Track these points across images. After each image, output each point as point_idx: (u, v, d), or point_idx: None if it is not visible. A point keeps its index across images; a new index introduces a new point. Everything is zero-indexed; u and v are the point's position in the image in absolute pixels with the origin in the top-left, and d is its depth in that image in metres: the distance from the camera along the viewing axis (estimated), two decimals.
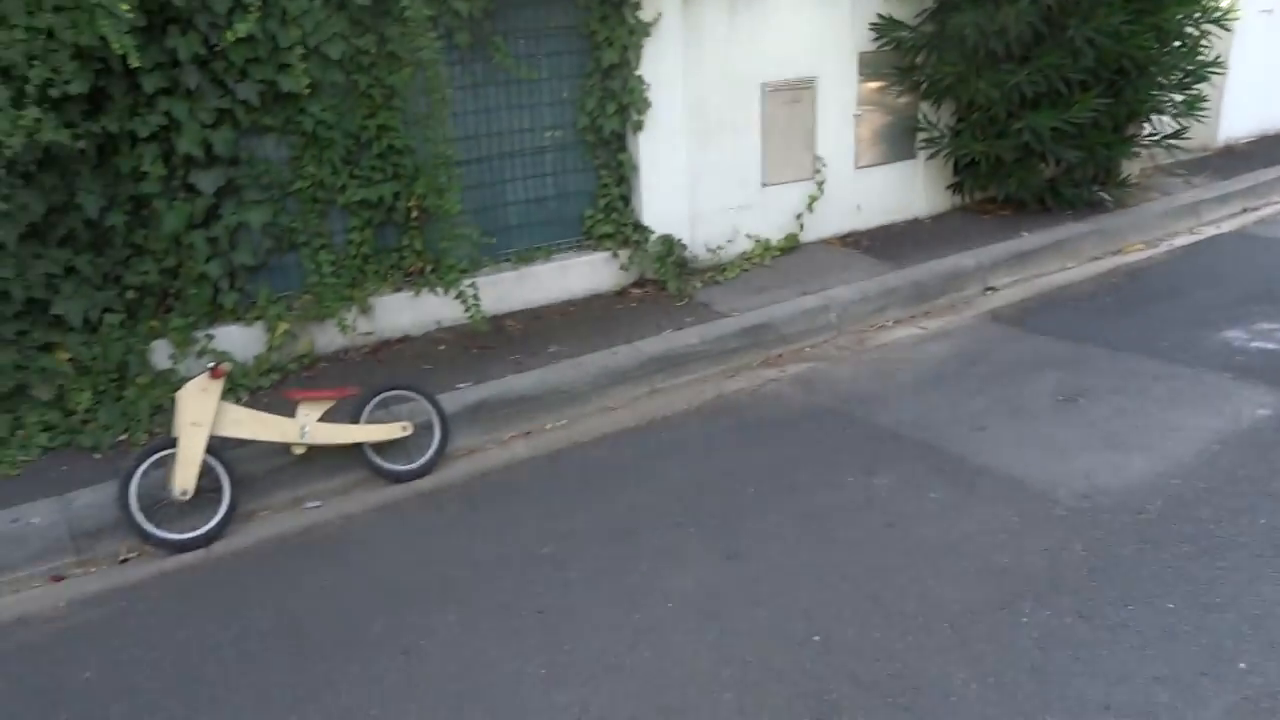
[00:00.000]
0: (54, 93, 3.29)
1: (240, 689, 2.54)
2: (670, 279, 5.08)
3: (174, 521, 3.29)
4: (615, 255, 5.12)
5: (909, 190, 6.22)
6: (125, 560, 3.28)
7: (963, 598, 2.69)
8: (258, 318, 4.15)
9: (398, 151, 4.33)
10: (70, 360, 3.75)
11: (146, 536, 3.23)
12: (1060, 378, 4.12)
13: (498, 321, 4.74)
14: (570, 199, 5.06)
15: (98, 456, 3.61)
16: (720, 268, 5.37)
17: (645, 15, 4.74)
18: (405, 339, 4.59)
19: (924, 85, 5.84)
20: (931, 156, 6.12)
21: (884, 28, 5.66)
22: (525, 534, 3.21)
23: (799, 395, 4.22)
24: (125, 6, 3.21)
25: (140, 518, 3.22)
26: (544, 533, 3.21)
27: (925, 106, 6.00)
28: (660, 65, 4.89)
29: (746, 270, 5.43)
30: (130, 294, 3.88)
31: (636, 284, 5.20)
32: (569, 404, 4.18)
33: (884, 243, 5.88)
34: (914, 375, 4.34)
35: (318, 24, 3.88)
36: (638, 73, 4.82)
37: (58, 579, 3.19)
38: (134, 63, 3.33)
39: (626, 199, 5.12)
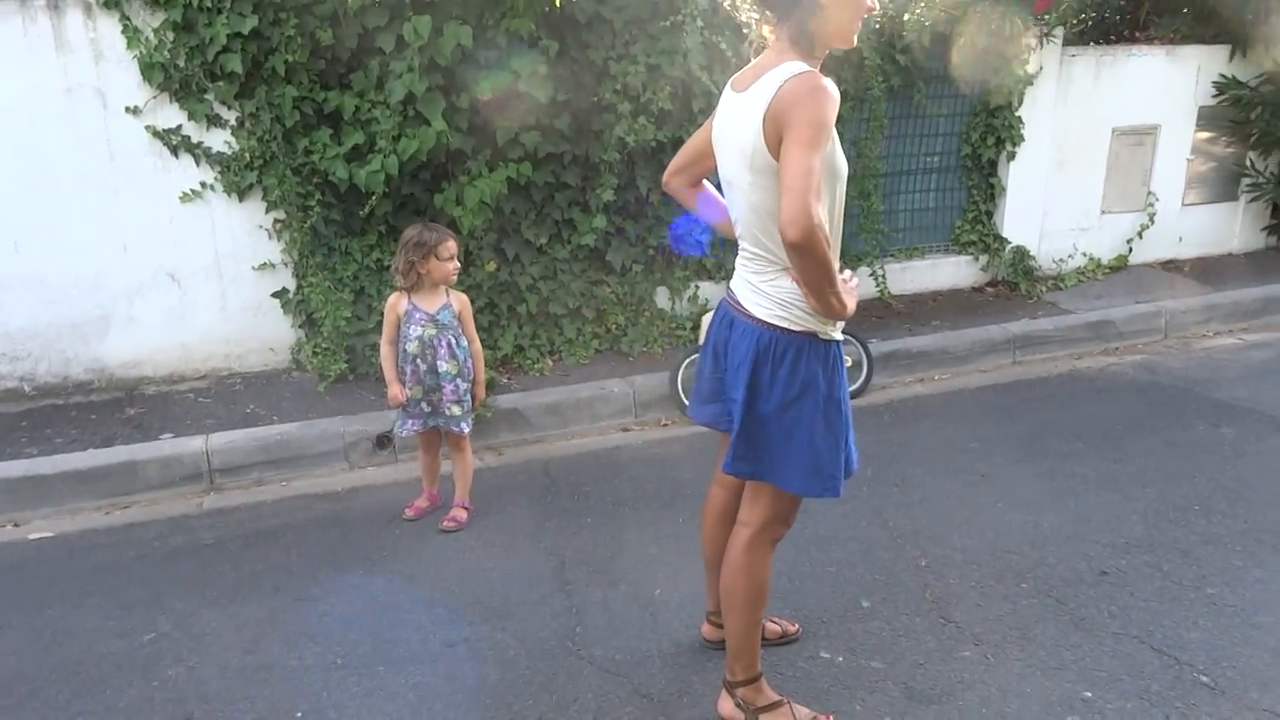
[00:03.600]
0: (653, 109, 4.95)
1: None
2: (1021, 281, 6.27)
3: None
4: (976, 259, 6.37)
5: (1227, 228, 7.09)
6: (665, 425, 4.84)
7: None
8: (726, 279, 5.69)
9: None
10: (611, 292, 5.41)
11: (685, 409, 4.78)
12: None
13: (884, 300, 6.09)
14: (945, 211, 6.36)
15: (631, 359, 5.24)
16: (1060, 277, 6.49)
17: (1030, 69, 5.99)
18: None
19: (1254, 137, 6.72)
20: (1253, 200, 6.97)
21: (1225, 86, 6.62)
22: (950, 435, 4.52)
23: (1141, 375, 5.31)
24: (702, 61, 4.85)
25: (683, 396, 4.78)
26: (965, 435, 4.51)
27: (1253, 156, 6.87)
28: (1035, 109, 6.12)
29: (1082, 281, 6.52)
30: (650, 252, 5.50)
31: (991, 284, 6.42)
32: (952, 363, 5.45)
33: (1202, 270, 6.80)
34: (1240, 369, 5.31)
35: None
36: (1017, 113, 6.07)
37: (626, 430, 4.80)
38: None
39: (990, 214, 6.36)
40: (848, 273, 2.34)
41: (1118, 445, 4.34)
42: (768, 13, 2.24)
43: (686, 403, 4.82)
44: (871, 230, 5.81)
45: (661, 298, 5.57)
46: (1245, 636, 2.92)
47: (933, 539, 3.55)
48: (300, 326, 4.92)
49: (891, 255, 6.24)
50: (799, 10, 2.16)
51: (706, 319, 4.85)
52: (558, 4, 4.50)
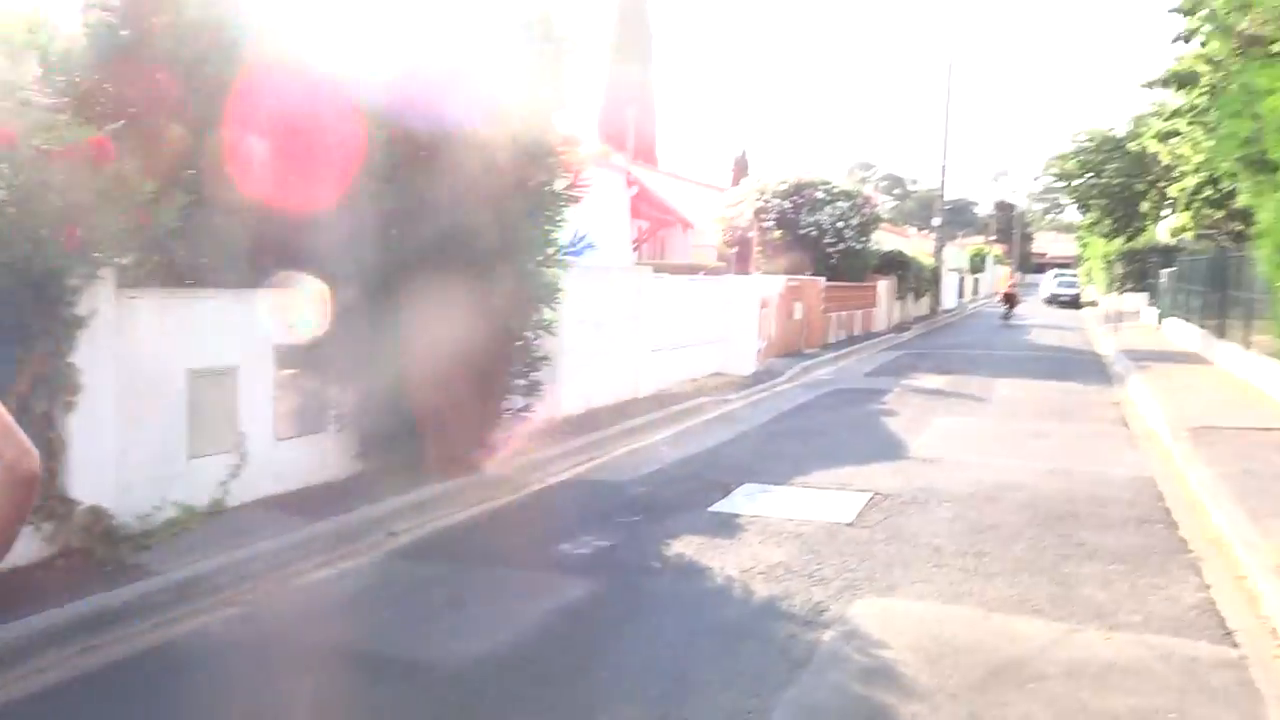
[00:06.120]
0: None
1: None
2: (98, 546, 5.42)
3: None
4: (39, 528, 5.32)
5: (323, 458, 7.32)
6: None
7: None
8: None
9: None
10: None
11: None
12: (448, 589, 5.42)
13: None
14: None
15: None
16: (148, 534, 5.80)
17: (81, 310, 5.36)
18: None
19: (328, 370, 7.13)
20: (341, 430, 7.35)
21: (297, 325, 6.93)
22: None
23: (242, 630, 4.92)
24: None
25: None
26: None
27: (334, 389, 7.28)
28: (94, 352, 5.48)
29: (175, 535, 5.93)
30: None
31: (62, 554, 5.41)
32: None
33: (302, 502, 6.79)
34: (335, 603, 5.29)
35: None
36: (69, 360, 5.35)
37: None
38: None
39: (54, 474, 5.42)
40: None
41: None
42: None
43: None
44: None
45: None
46: None
47: None
48: None
49: None
50: None
51: None
52: None
